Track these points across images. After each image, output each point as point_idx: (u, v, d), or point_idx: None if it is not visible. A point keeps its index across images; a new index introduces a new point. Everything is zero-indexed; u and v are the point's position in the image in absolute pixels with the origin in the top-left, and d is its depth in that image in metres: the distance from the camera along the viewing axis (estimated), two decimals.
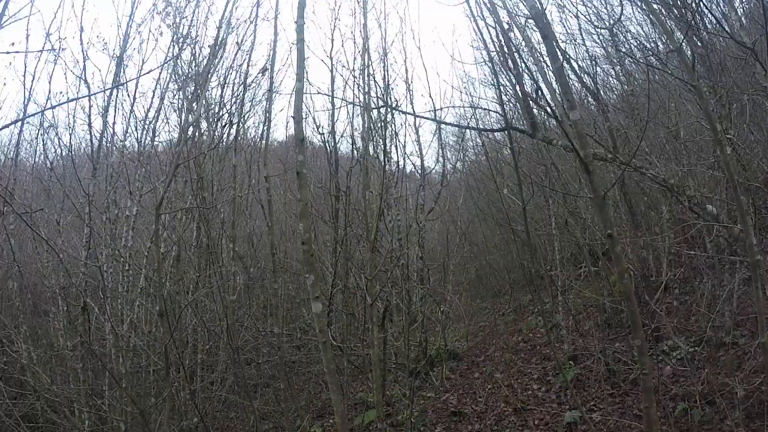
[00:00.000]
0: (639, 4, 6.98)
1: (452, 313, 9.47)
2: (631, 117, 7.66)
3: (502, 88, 8.26)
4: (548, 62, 5.15)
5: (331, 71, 8.45)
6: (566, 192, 8.20)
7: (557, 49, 5.29)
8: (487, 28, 5.97)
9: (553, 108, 5.80)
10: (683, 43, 6.51)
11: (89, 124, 6.57)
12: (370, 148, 9.25)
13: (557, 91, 6.50)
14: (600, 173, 7.94)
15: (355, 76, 8.27)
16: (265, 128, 8.16)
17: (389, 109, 8.68)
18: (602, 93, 8.56)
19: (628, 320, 6.93)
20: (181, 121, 7.16)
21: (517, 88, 5.97)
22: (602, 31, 7.90)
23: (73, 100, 6.92)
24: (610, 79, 9.72)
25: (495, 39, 5.91)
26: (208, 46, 7.53)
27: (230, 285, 7.69)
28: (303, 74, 4.00)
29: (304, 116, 9.33)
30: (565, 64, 8.26)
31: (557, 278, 8.60)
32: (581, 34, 8.22)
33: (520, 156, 10.09)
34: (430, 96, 12.89)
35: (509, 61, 5.79)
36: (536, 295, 7.51)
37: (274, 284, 8.06)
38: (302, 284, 8.97)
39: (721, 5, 6.12)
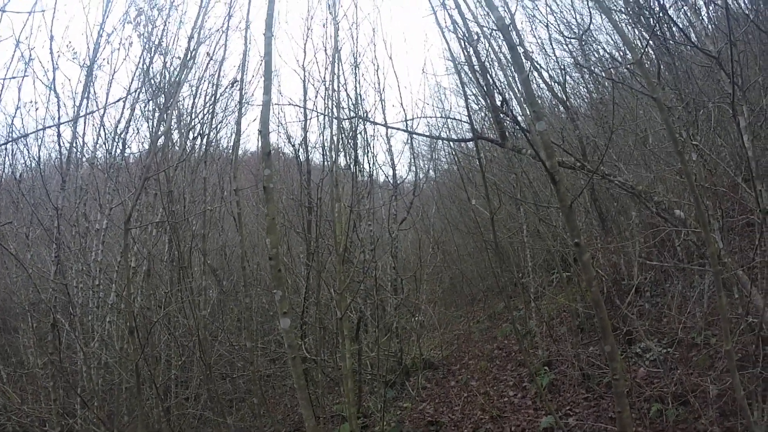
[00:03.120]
0: (607, 14, 7.15)
1: (427, 322, 9.49)
2: (600, 125, 7.82)
3: (471, 98, 8.35)
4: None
5: (304, 82, 8.45)
6: (535, 202, 8.32)
7: (523, 60, 5.42)
8: (457, 39, 6.06)
9: (521, 118, 5.92)
10: (647, 53, 6.72)
11: (58, 135, 6.47)
12: (342, 159, 9.28)
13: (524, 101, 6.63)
14: (570, 180, 8.10)
15: (326, 87, 8.30)
16: (236, 140, 8.12)
17: (361, 120, 8.74)
18: (572, 101, 8.70)
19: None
20: (151, 132, 7.08)
21: (486, 99, 6.03)
22: (572, 40, 8.08)
23: (49, 127, 6.75)
24: (580, 87, 9.91)
25: (464, 50, 6.00)
26: (178, 57, 7.49)
27: (202, 299, 7.59)
28: (270, 87, 3.98)
29: (275, 127, 9.36)
30: (534, 74, 8.44)
31: (530, 285, 8.69)
32: (551, 44, 8.37)
33: (491, 164, 10.23)
34: (402, 106, 13.06)
35: (477, 72, 5.88)
36: (509, 303, 7.57)
37: (245, 298, 7.98)
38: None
39: (688, 13, 6.30)
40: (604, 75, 8.06)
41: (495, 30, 6.09)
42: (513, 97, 6.64)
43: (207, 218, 7.71)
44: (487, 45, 6.48)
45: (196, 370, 6.85)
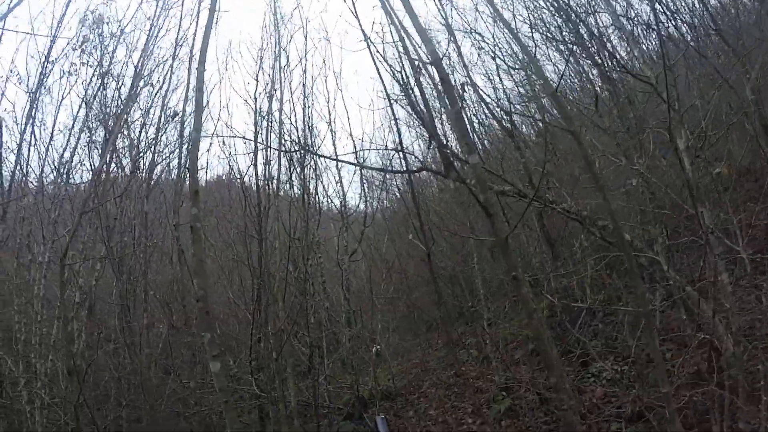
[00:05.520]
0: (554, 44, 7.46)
1: (382, 352, 9.36)
2: (546, 152, 8.02)
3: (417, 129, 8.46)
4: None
5: (255, 112, 8.39)
6: (468, 235, 8.43)
7: (456, 93, 5.55)
8: (394, 72, 6.15)
9: (457, 152, 6.02)
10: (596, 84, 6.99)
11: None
12: (291, 190, 9.22)
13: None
14: (520, 206, 8.24)
15: (275, 120, 8.31)
16: (178, 176, 7.98)
17: (309, 153, 8.73)
18: (522, 128, 8.91)
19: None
20: (91, 163, 6.88)
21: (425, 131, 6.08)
22: (519, 71, 8.33)
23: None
24: (526, 115, 10.16)
25: (400, 83, 6.10)
26: (125, 86, 7.34)
27: (151, 334, 7.30)
28: (200, 124, 3.93)
29: (226, 157, 9.23)
30: (483, 105, 8.64)
31: (483, 312, 8.70)
32: (499, 74, 8.59)
33: (443, 192, 10.35)
34: (351, 137, 13.11)
35: (417, 106, 5.98)
36: (467, 329, 7.59)
37: (193, 337, 7.71)
38: (229, 330, 8.62)
39: (628, 45, 6.61)
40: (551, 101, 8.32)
41: (427, 64, 6.20)
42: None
43: (148, 254, 7.48)
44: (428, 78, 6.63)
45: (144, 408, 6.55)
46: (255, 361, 7.62)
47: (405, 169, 8.74)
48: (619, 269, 6.95)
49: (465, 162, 4.86)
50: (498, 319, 8.65)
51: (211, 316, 3.61)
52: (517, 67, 8.32)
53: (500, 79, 9.04)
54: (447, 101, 4.72)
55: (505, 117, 8.93)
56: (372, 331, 9.22)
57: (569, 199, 6.62)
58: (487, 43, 8.33)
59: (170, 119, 8.42)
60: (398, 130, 6.96)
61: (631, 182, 6.29)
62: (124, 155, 7.67)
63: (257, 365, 7.61)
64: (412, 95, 5.78)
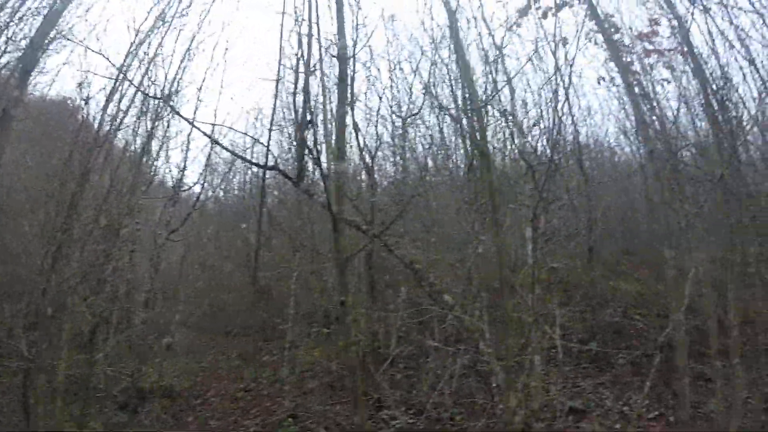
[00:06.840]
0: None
1: (175, 345, 8.85)
2: (397, 203, 8.39)
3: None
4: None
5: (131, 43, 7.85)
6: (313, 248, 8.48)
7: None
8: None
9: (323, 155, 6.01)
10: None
11: None
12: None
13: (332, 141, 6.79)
14: (357, 244, 8.45)
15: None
16: None
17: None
18: (378, 178, 9.21)
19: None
20: None
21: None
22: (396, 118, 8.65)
23: None
24: (388, 167, 10.50)
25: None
26: None
27: None
28: None
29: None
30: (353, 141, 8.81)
31: (288, 332, 8.66)
32: (377, 117, 8.84)
33: (281, 205, 10.21)
34: (215, 113, 12.37)
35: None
36: (265, 345, 7.46)
37: None
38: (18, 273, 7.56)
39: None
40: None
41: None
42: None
43: None
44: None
45: None
46: (31, 315, 6.76)
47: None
48: (430, 328, 7.42)
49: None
50: (300, 344, 8.63)
51: None
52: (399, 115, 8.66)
53: (376, 122, 9.31)
54: (339, 100, 4.71)
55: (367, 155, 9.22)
56: (170, 320, 8.72)
57: (408, 248, 6.99)
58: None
59: None
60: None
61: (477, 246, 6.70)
62: None
63: (33, 322, 6.75)
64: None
